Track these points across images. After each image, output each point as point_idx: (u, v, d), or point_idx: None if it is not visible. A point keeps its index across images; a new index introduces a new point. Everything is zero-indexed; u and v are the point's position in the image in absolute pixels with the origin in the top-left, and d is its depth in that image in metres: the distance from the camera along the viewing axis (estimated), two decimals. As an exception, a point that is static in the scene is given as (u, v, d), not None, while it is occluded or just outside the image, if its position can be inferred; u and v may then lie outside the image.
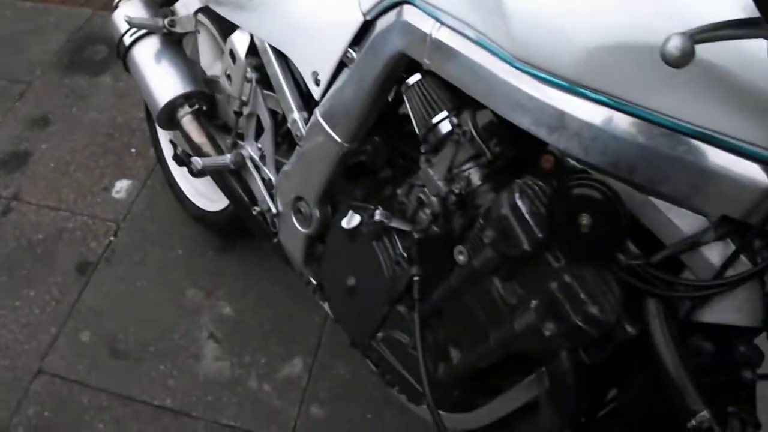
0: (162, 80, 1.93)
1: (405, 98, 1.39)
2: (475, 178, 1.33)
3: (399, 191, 1.55)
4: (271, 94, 1.75)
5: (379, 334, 1.53)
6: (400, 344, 1.49)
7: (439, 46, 1.23)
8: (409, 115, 1.41)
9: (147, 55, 1.97)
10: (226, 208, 2.25)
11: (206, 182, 2.28)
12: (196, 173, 1.79)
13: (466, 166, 1.33)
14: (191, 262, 2.44)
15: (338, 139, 1.52)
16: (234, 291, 2.36)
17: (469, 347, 1.37)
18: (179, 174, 2.46)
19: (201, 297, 2.35)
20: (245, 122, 1.83)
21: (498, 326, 1.29)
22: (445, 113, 1.33)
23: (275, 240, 1.87)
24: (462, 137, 1.30)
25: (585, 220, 1.08)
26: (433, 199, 1.44)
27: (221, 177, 1.90)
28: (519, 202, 1.17)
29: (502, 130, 1.24)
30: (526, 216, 1.16)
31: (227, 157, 1.83)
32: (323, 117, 1.54)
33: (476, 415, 1.52)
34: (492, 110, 1.21)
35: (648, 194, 1.05)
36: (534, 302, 1.21)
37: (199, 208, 2.41)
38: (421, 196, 1.48)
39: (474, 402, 1.52)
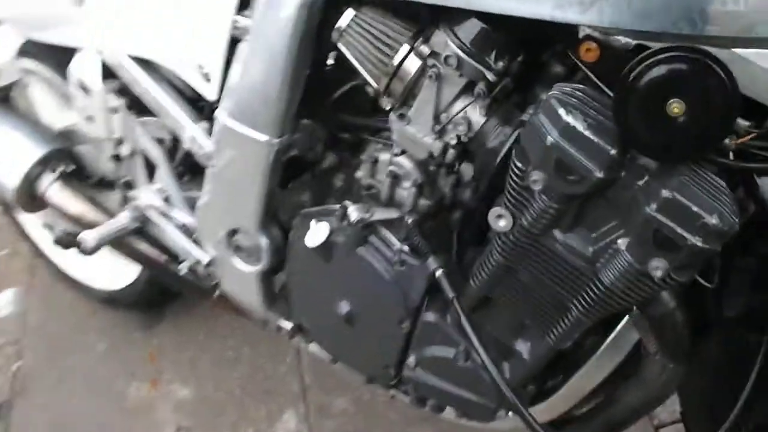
0: (3, 156, 1.40)
1: (342, 48, 0.96)
2: (476, 115, 0.93)
3: (360, 174, 1.14)
4: (149, 118, 1.28)
5: (411, 359, 1.11)
6: (446, 361, 1.08)
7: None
8: (336, 75, 1.05)
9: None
10: (138, 278, 1.74)
11: (102, 257, 1.75)
12: (90, 251, 1.29)
13: (458, 103, 0.94)
14: (119, 354, 1.92)
15: (263, 137, 1.09)
16: (182, 367, 1.88)
17: (543, 330, 0.98)
18: (67, 260, 1.92)
19: (146, 390, 1.84)
20: (129, 165, 1.34)
21: (578, 290, 0.90)
22: (406, 46, 0.91)
23: (216, 293, 1.40)
24: (443, 67, 0.89)
25: (677, 106, 0.71)
26: (409, 166, 1.04)
27: (124, 244, 1.40)
28: (569, 119, 0.77)
29: (499, 37, 0.85)
30: (586, 133, 0.77)
31: (122, 218, 1.36)
32: (233, 116, 1.11)
33: (555, 401, 1.13)
34: (481, 13, 0.81)
35: (735, 46, 0.72)
36: (624, 240, 0.83)
37: (104, 290, 1.89)
38: (393, 168, 1.08)
39: (545, 387, 1.13)
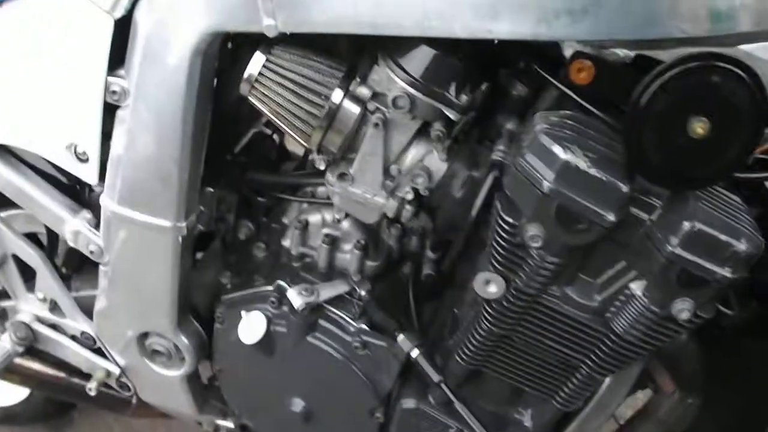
0: None
1: (255, 103, 0.75)
2: (435, 161, 0.74)
3: (287, 243, 0.93)
4: (14, 211, 1.04)
5: (391, 454, 0.91)
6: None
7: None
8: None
9: None
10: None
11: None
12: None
13: (413, 151, 0.75)
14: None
15: (165, 223, 0.86)
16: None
17: (546, 395, 0.81)
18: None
19: None
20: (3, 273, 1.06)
21: (588, 347, 0.75)
22: (339, 91, 0.71)
23: (134, 403, 1.14)
24: (391, 111, 0.70)
25: (702, 126, 0.56)
26: (348, 226, 0.87)
27: (11, 371, 1.12)
28: (568, 157, 0.60)
29: (458, 64, 0.67)
30: (591, 172, 0.61)
31: (3, 342, 1.06)
32: (122, 202, 0.86)
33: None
34: (428, 40, 0.63)
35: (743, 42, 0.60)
36: (639, 284, 0.69)
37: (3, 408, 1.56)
38: (330, 232, 0.88)
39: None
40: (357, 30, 0.65)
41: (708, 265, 0.64)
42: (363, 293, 0.88)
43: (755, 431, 0.97)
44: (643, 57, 0.60)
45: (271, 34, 0.68)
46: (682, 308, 0.67)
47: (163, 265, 0.91)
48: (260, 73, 0.73)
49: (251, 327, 0.89)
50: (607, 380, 0.89)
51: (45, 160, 0.96)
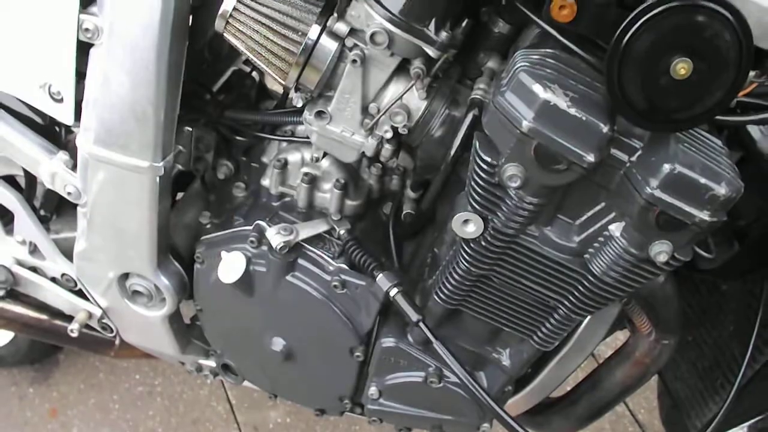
0: None
1: (231, 39, 0.74)
2: (414, 99, 0.74)
3: (266, 182, 0.93)
4: None
5: (372, 390, 0.93)
6: (415, 386, 0.91)
7: None
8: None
9: None
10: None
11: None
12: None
13: (391, 88, 0.74)
14: (15, 417, 1.61)
15: (143, 163, 0.85)
16: (90, 416, 1.62)
17: (524, 334, 0.82)
18: None
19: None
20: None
21: (565, 288, 0.76)
22: (316, 27, 0.70)
23: (117, 343, 1.15)
24: (369, 47, 0.69)
25: (684, 66, 0.56)
26: (328, 164, 0.89)
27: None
28: (548, 96, 0.60)
29: (441, 2, 0.66)
30: (571, 111, 0.60)
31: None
32: (99, 142, 0.85)
33: (531, 391, 1.02)
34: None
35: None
36: (617, 225, 0.69)
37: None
38: (309, 170, 0.88)
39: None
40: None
41: (687, 207, 0.64)
42: (342, 232, 0.88)
43: (728, 371, 1.00)
44: (623, -6, 0.59)
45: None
46: (660, 251, 0.67)
47: (142, 206, 0.90)
48: (235, 9, 0.72)
49: (231, 267, 0.89)
50: (586, 320, 0.91)
51: (19, 100, 0.95)
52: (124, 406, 1.61)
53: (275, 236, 0.84)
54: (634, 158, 0.65)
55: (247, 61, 1.04)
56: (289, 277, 0.88)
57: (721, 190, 0.63)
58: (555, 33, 0.60)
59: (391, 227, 0.92)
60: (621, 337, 1.04)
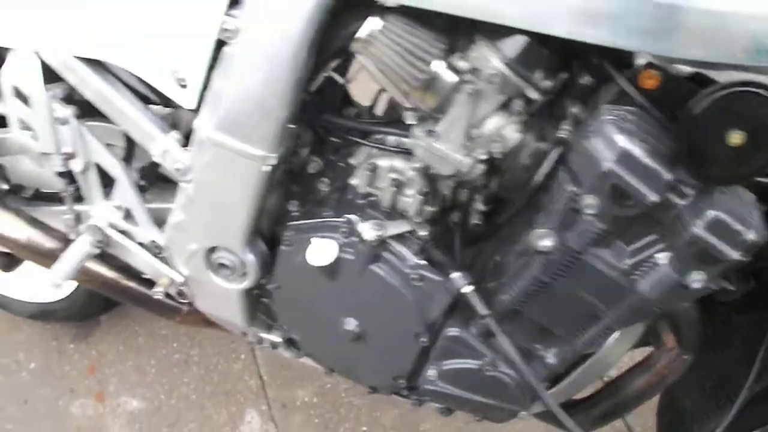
0: None
1: (363, 59, 0.92)
2: (510, 131, 0.91)
3: (356, 181, 1.10)
4: (98, 122, 1.17)
5: (431, 372, 1.11)
6: (471, 372, 1.09)
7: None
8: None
9: None
10: (78, 288, 1.61)
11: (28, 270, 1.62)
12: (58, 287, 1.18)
13: (494, 120, 0.92)
14: (54, 371, 1.79)
15: (258, 152, 1.02)
16: (127, 377, 1.78)
17: (571, 337, 1.00)
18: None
19: (92, 407, 1.73)
20: (81, 180, 1.22)
21: (612, 301, 0.93)
22: (441, 62, 0.88)
23: (185, 310, 1.33)
24: (484, 84, 0.87)
25: (738, 137, 0.75)
26: (413, 173, 1.05)
27: (86, 273, 1.29)
28: (627, 145, 0.78)
29: (547, 54, 0.84)
30: (644, 160, 0.78)
31: (83, 243, 1.22)
32: (221, 129, 1.02)
33: (565, 387, 1.18)
34: (527, 33, 0.79)
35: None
36: (665, 255, 0.87)
37: (40, 304, 1.72)
38: (397, 176, 1.06)
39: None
40: (468, 14, 0.80)
41: (723, 247, 0.82)
42: (423, 233, 1.06)
43: (731, 392, 1.18)
44: (700, 74, 0.77)
45: (389, 3, 0.85)
46: (697, 279, 0.85)
47: (246, 189, 1.06)
48: (374, 36, 0.88)
49: (321, 252, 1.06)
50: (616, 334, 1.09)
51: (135, 77, 1.11)
52: (161, 370, 1.77)
53: (369, 230, 1.02)
54: (686, 202, 0.83)
55: (336, 70, 1.21)
56: (373, 267, 1.04)
57: (751, 236, 0.81)
58: (639, 97, 0.79)
59: (458, 234, 1.10)
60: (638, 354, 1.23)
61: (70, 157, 1.18)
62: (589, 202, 0.82)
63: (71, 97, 1.15)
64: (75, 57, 1.08)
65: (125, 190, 1.21)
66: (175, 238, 1.20)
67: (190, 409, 1.72)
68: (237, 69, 0.97)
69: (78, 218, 1.27)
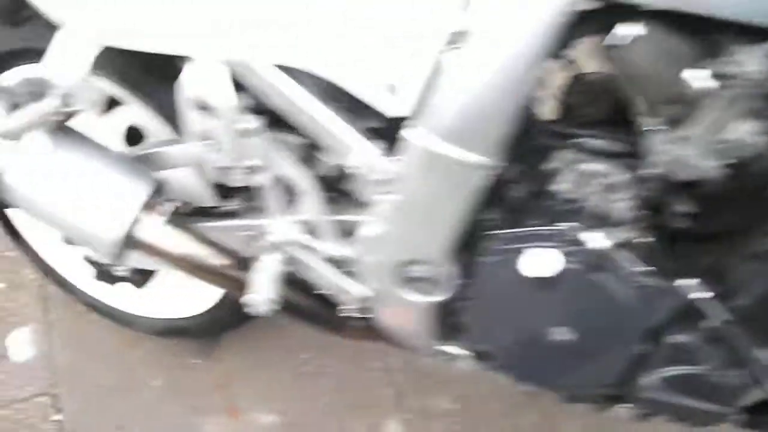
0: (97, 194, 1.21)
1: (613, 66, 0.91)
2: (758, 135, 0.92)
3: (562, 187, 1.08)
4: (288, 135, 1.16)
5: (652, 379, 1.10)
6: (691, 378, 1.08)
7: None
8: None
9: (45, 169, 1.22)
10: (221, 301, 1.60)
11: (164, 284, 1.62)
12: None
13: (745, 125, 0.91)
14: (181, 387, 1.77)
15: (478, 159, 1.01)
16: (257, 391, 1.77)
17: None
18: (109, 290, 1.71)
19: (225, 424, 1.72)
20: (263, 194, 1.21)
21: None
22: (706, 71, 0.87)
23: (356, 324, 1.32)
24: (748, 91, 0.86)
25: None
26: (627, 178, 1.04)
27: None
28: None
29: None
30: None
31: (272, 262, 1.23)
32: (443, 138, 1.01)
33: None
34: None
35: None
36: None
37: (169, 320, 1.71)
38: (610, 181, 1.05)
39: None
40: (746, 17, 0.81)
41: None
42: (644, 239, 1.06)
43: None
44: None
45: (655, 6, 0.84)
46: None
47: (458, 198, 1.05)
48: (632, 41, 0.87)
49: (540, 262, 1.06)
50: None
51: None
52: (292, 384, 1.75)
53: (599, 239, 1.01)
54: None
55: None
56: (596, 275, 1.04)
57: None
58: None
59: (670, 238, 1.09)
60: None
61: (253, 169, 1.17)
62: None
63: (258, 108, 1.14)
64: (274, 65, 1.08)
65: (315, 205, 1.20)
66: (368, 252, 1.19)
67: (327, 423, 1.71)
68: (464, 74, 0.97)
69: (253, 234, 1.27)
